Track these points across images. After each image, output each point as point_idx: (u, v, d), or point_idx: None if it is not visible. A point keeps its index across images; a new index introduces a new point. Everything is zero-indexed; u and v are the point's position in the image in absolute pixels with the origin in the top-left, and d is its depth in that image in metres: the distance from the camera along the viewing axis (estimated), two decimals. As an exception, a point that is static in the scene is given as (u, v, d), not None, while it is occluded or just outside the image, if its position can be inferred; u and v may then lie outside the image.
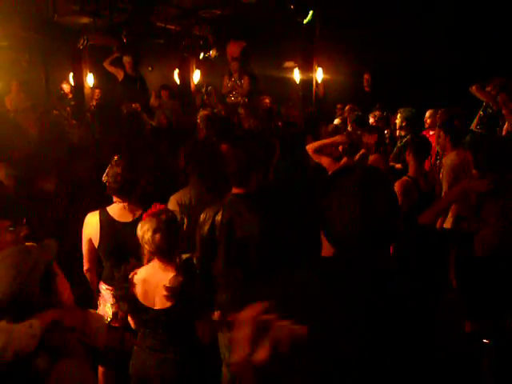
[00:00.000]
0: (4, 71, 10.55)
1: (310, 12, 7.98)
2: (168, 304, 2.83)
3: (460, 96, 6.50)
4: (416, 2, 8.06)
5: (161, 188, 4.37)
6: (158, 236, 2.83)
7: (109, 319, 3.51)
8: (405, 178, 4.55)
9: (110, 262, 3.47)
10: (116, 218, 3.44)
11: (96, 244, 3.44)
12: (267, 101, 8.44)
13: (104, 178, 3.45)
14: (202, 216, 3.22)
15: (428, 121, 6.64)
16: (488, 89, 6.24)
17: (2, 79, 10.56)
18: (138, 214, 3.43)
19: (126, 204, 3.46)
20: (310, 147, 4.96)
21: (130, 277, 2.90)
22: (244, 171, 3.27)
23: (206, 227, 3.18)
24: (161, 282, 2.84)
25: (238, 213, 3.19)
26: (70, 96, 11.10)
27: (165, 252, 2.87)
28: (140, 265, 2.97)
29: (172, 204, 3.88)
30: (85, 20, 8.86)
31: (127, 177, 3.39)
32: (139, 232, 2.90)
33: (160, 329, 2.88)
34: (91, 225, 3.45)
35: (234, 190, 3.33)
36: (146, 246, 2.88)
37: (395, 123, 7.14)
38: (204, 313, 3.01)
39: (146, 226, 2.86)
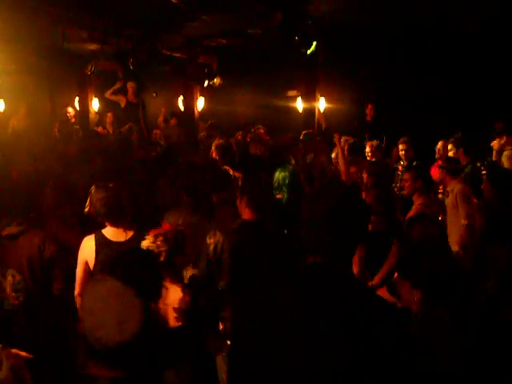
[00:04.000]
0: (11, 94, 10.72)
1: (314, 43, 8.12)
2: (178, 323, 2.88)
3: (463, 125, 6.60)
4: (418, 34, 8.21)
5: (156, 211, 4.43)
6: (164, 255, 2.92)
7: None
8: None
9: None
10: (111, 238, 3.54)
11: (91, 265, 3.50)
12: (262, 131, 8.60)
13: (87, 207, 3.58)
14: (209, 239, 3.29)
15: (440, 151, 6.71)
16: None
17: (8, 102, 10.72)
18: (130, 234, 3.55)
19: (118, 227, 3.57)
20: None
21: None
22: (262, 200, 3.44)
23: (213, 249, 3.27)
24: (170, 301, 2.90)
25: (248, 238, 3.27)
26: (74, 120, 11.26)
27: (172, 270, 2.94)
28: None
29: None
30: (92, 46, 9.02)
31: (112, 200, 3.51)
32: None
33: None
34: (87, 247, 3.54)
35: (247, 216, 3.43)
36: None
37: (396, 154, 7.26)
38: (212, 328, 3.06)
39: (154, 245, 2.95)
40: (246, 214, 3.50)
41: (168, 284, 2.96)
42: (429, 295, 2.54)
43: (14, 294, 2.86)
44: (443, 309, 2.50)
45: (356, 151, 6.77)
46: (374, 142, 7.31)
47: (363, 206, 1.97)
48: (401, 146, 6.89)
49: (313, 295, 1.74)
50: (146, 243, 2.99)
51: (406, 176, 4.77)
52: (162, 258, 2.93)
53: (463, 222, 4.95)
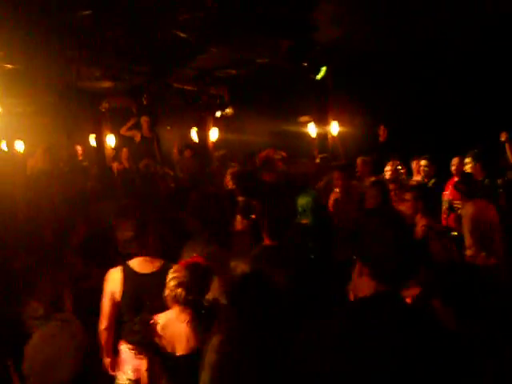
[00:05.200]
0: (29, 135, 10.98)
1: (323, 68, 8.21)
2: (188, 351, 2.90)
3: (478, 143, 6.54)
4: (427, 54, 8.25)
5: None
6: (179, 290, 2.94)
7: (126, 382, 3.48)
8: None
9: (130, 316, 3.49)
10: (137, 269, 3.54)
11: (119, 297, 3.49)
12: (276, 156, 8.61)
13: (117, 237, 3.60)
14: (232, 264, 3.36)
15: (454, 168, 6.65)
16: None
17: (27, 143, 10.97)
18: (157, 265, 3.55)
19: (146, 257, 3.57)
20: None
21: (150, 322, 2.96)
22: (281, 225, 3.49)
23: (236, 276, 3.30)
24: (179, 329, 2.94)
25: (268, 264, 3.30)
26: (81, 158, 11.52)
27: (185, 303, 2.97)
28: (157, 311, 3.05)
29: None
30: (106, 84, 9.22)
31: (138, 230, 3.52)
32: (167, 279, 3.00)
33: (180, 375, 2.93)
34: (114, 279, 3.53)
35: (266, 242, 3.45)
36: (169, 293, 2.98)
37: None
38: None
39: (172, 276, 2.98)
40: (266, 239, 3.58)
41: (176, 312, 2.98)
42: (460, 312, 2.47)
43: (35, 321, 2.87)
44: (478, 327, 2.41)
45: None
46: (397, 162, 7.28)
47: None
48: (422, 162, 6.85)
49: (387, 325, 1.75)
50: (172, 274, 3.00)
51: (408, 196, 4.70)
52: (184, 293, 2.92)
53: (468, 252, 4.85)
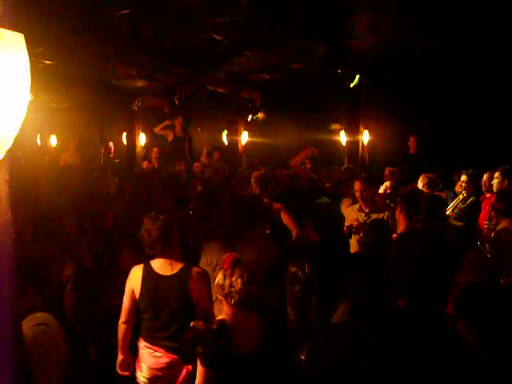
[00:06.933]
0: (63, 131, 11.21)
1: (357, 76, 8.14)
2: (255, 347, 2.82)
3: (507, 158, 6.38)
4: (461, 65, 8.12)
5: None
6: (248, 288, 2.79)
7: (142, 379, 3.51)
8: None
9: (148, 315, 3.54)
10: (157, 270, 3.56)
11: (137, 295, 3.54)
12: (308, 166, 8.56)
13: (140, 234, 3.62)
14: (292, 270, 3.60)
15: (486, 183, 6.45)
16: None
17: (60, 138, 11.21)
18: (178, 267, 3.55)
19: (166, 259, 3.58)
20: None
21: (215, 328, 2.79)
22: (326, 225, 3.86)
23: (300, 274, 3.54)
24: (247, 327, 2.85)
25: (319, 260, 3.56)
26: (112, 155, 11.71)
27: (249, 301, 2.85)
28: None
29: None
30: (140, 83, 9.33)
31: (158, 234, 3.52)
32: (223, 281, 2.83)
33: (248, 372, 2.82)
34: (135, 277, 3.58)
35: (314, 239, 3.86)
36: (235, 295, 2.80)
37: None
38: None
39: (235, 277, 2.81)
40: (313, 237, 3.87)
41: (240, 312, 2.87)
42: (482, 334, 2.37)
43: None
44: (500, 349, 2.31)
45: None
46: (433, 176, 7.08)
47: (451, 252, 2.10)
48: (462, 178, 6.68)
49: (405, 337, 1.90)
50: (227, 281, 2.81)
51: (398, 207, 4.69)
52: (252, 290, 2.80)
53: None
